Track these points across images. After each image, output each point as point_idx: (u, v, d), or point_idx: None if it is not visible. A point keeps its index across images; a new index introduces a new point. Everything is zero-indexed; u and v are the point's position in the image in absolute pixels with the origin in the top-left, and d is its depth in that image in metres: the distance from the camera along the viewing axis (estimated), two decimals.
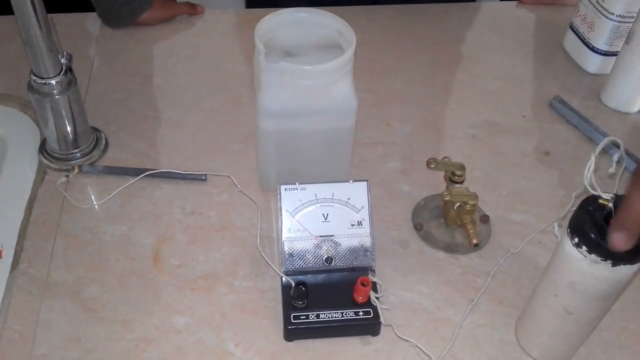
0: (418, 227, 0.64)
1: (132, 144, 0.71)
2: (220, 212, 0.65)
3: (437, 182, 0.68)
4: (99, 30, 0.86)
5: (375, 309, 0.54)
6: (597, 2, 0.80)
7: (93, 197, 0.65)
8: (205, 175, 0.67)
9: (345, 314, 0.54)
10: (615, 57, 0.79)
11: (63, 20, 0.86)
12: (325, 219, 0.57)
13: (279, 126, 0.60)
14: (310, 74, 0.56)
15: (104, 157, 0.70)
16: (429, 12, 0.93)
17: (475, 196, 0.60)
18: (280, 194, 0.57)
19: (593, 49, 0.82)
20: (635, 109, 0.79)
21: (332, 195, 0.57)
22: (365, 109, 0.76)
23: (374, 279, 0.55)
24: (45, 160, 0.68)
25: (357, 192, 0.58)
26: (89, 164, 0.68)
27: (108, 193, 0.65)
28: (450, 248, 0.62)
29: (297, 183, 0.57)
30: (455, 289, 0.59)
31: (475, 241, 0.60)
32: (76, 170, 0.67)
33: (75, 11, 0.88)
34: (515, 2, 0.97)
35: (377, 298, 0.55)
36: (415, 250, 0.62)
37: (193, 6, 0.89)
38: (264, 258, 0.59)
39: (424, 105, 0.78)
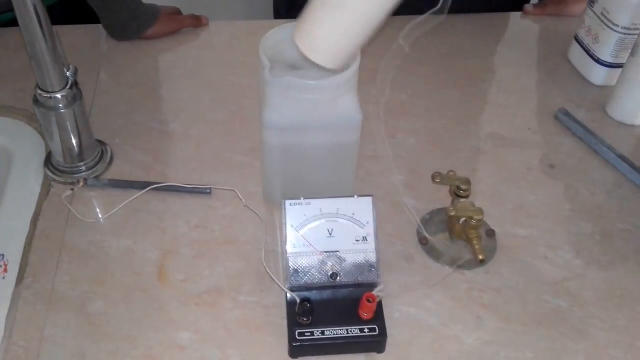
0: (423, 242, 0.64)
1: (136, 157, 0.71)
2: (224, 225, 0.65)
3: (442, 196, 0.67)
4: (104, 42, 0.86)
5: (380, 325, 0.54)
6: (602, 13, 0.80)
7: (98, 211, 0.65)
8: (210, 188, 0.67)
9: (351, 331, 0.54)
10: (621, 69, 0.79)
11: (68, 32, 0.86)
12: (330, 234, 0.57)
13: (283, 140, 0.60)
14: (314, 88, 0.56)
15: (109, 170, 0.70)
16: (434, 23, 0.93)
17: (480, 211, 0.60)
18: (284, 209, 0.57)
19: (598, 61, 0.82)
20: None
21: (337, 210, 0.57)
22: (370, 121, 0.76)
23: (379, 296, 0.55)
24: (50, 173, 0.68)
25: (362, 207, 0.57)
26: (94, 177, 0.68)
27: (113, 206, 0.65)
28: (456, 263, 0.62)
29: (301, 198, 0.57)
30: (461, 305, 0.59)
31: (481, 257, 0.59)
32: (81, 183, 0.67)
33: (80, 23, 0.88)
34: (520, 13, 0.97)
35: (383, 314, 0.54)
36: (420, 265, 0.62)
37: (197, 18, 0.89)
38: (269, 273, 0.58)
39: (428, 118, 0.78)
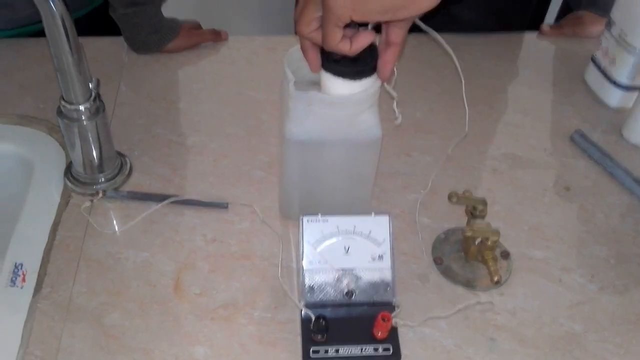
0: (438, 261, 0.64)
1: (155, 169, 0.72)
2: (241, 240, 0.65)
3: (457, 215, 0.68)
4: (125, 54, 0.88)
5: (394, 345, 0.54)
6: (619, 36, 0.80)
7: (116, 223, 0.66)
8: (227, 203, 0.68)
9: (365, 350, 0.54)
10: (638, 91, 0.79)
11: (91, 44, 0.87)
12: (347, 252, 0.57)
13: (303, 154, 0.60)
14: (337, 104, 0.57)
15: (128, 182, 0.70)
16: (450, 43, 0.93)
17: (496, 232, 0.60)
18: (302, 225, 0.57)
19: (615, 83, 0.82)
20: None
21: (354, 228, 0.58)
22: (386, 138, 0.76)
23: (396, 322, 0.55)
24: (70, 184, 0.69)
25: (378, 226, 0.58)
26: (114, 189, 0.69)
27: (131, 219, 0.66)
28: (471, 284, 0.62)
29: (319, 214, 0.57)
30: (475, 327, 0.59)
31: (496, 278, 0.59)
32: (100, 194, 0.68)
33: (104, 35, 0.89)
34: (536, 33, 0.97)
35: (397, 334, 0.55)
36: (435, 285, 0.62)
37: (217, 33, 0.90)
38: (284, 289, 0.59)
39: (444, 136, 0.79)
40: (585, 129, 0.80)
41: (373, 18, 0.49)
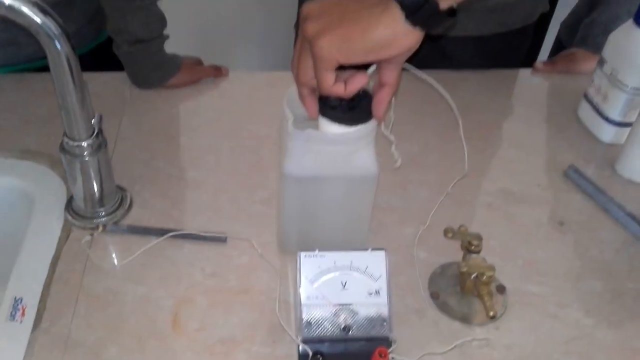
0: (434, 296, 0.64)
1: (155, 203, 0.73)
2: (239, 274, 0.66)
3: (454, 249, 0.68)
4: (128, 89, 0.90)
5: None
6: (611, 74, 0.82)
7: (116, 257, 0.67)
8: (226, 237, 0.68)
9: None
10: (630, 127, 0.81)
11: (94, 79, 0.89)
12: (344, 287, 0.58)
13: (301, 190, 0.61)
14: (335, 141, 0.58)
15: (128, 216, 0.71)
16: (445, 79, 0.95)
17: (492, 268, 0.61)
18: (299, 261, 0.58)
19: (607, 119, 0.84)
20: None
21: (351, 263, 0.58)
22: (382, 173, 0.77)
23: (392, 351, 0.55)
24: (71, 218, 0.70)
25: (375, 261, 0.58)
26: (114, 222, 0.70)
27: (130, 253, 0.67)
28: (467, 319, 0.62)
29: (316, 250, 0.58)
30: None
31: (491, 314, 0.60)
32: (101, 229, 0.69)
33: (107, 70, 0.91)
34: (530, 69, 0.99)
35: None
36: (431, 319, 0.63)
37: (218, 68, 0.92)
38: (282, 324, 0.59)
39: (440, 171, 0.80)
40: (579, 164, 0.81)
41: (358, 59, 0.51)
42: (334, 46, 0.50)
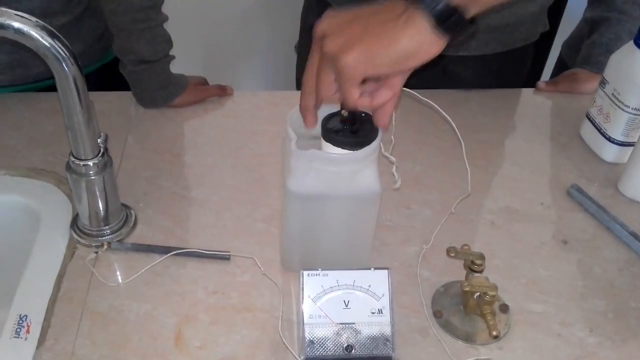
0: (438, 315, 0.64)
1: (159, 222, 0.74)
2: (242, 292, 0.66)
3: (457, 267, 0.68)
4: (133, 109, 0.91)
5: None
6: (612, 94, 0.82)
7: (120, 274, 0.67)
8: (229, 255, 0.69)
9: None
10: (632, 147, 0.81)
11: (100, 98, 0.90)
12: (347, 306, 0.58)
13: (305, 209, 0.62)
14: (338, 161, 0.59)
15: (133, 234, 0.72)
16: (449, 98, 0.96)
17: (494, 287, 0.61)
18: (302, 280, 0.58)
19: (609, 139, 0.84)
20: None
21: (354, 282, 0.59)
22: (385, 192, 0.78)
23: None
24: (76, 236, 0.70)
25: (378, 280, 0.59)
26: (118, 240, 0.70)
27: (135, 271, 0.67)
28: (470, 338, 0.62)
29: (319, 269, 0.59)
30: None
31: (495, 333, 0.60)
32: (105, 247, 0.69)
33: (113, 89, 0.92)
34: (533, 89, 1.00)
35: None
36: (434, 339, 0.62)
37: (223, 88, 0.93)
38: (284, 343, 0.59)
39: (443, 190, 0.80)
40: (582, 183, 0.82)
41: (385, 72, 0.51)
42: (359, 61, 0.50)
